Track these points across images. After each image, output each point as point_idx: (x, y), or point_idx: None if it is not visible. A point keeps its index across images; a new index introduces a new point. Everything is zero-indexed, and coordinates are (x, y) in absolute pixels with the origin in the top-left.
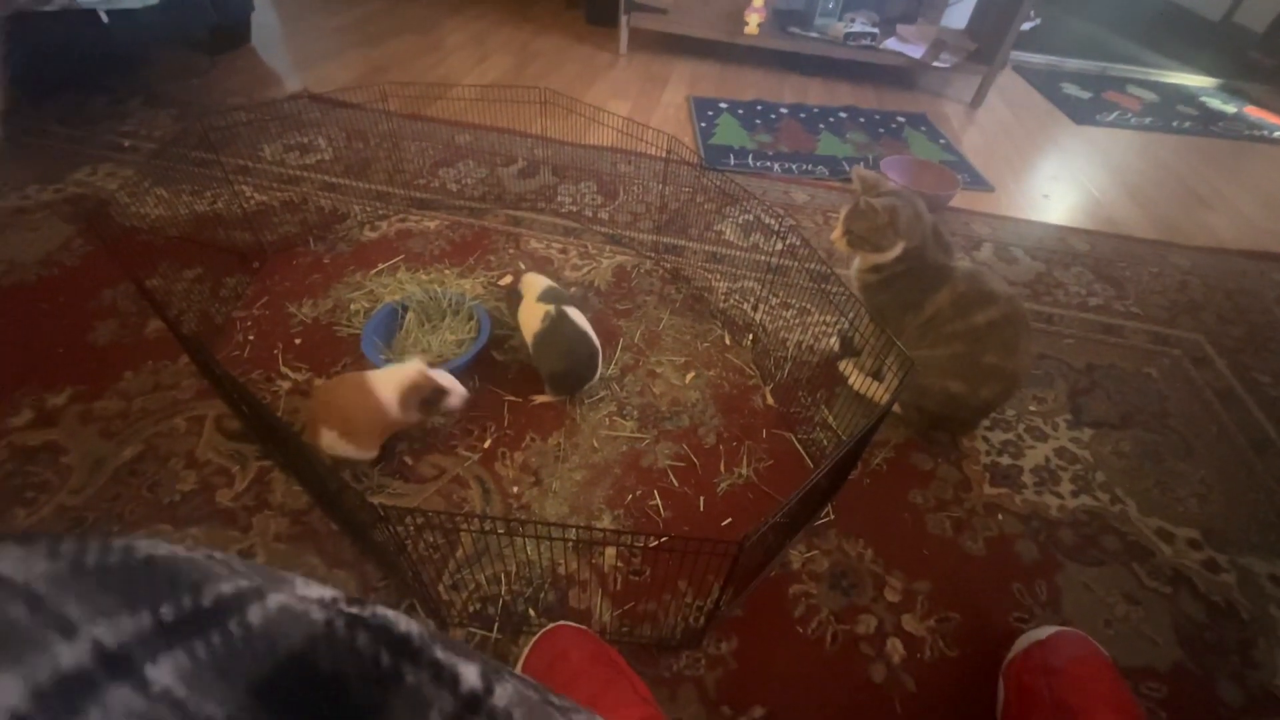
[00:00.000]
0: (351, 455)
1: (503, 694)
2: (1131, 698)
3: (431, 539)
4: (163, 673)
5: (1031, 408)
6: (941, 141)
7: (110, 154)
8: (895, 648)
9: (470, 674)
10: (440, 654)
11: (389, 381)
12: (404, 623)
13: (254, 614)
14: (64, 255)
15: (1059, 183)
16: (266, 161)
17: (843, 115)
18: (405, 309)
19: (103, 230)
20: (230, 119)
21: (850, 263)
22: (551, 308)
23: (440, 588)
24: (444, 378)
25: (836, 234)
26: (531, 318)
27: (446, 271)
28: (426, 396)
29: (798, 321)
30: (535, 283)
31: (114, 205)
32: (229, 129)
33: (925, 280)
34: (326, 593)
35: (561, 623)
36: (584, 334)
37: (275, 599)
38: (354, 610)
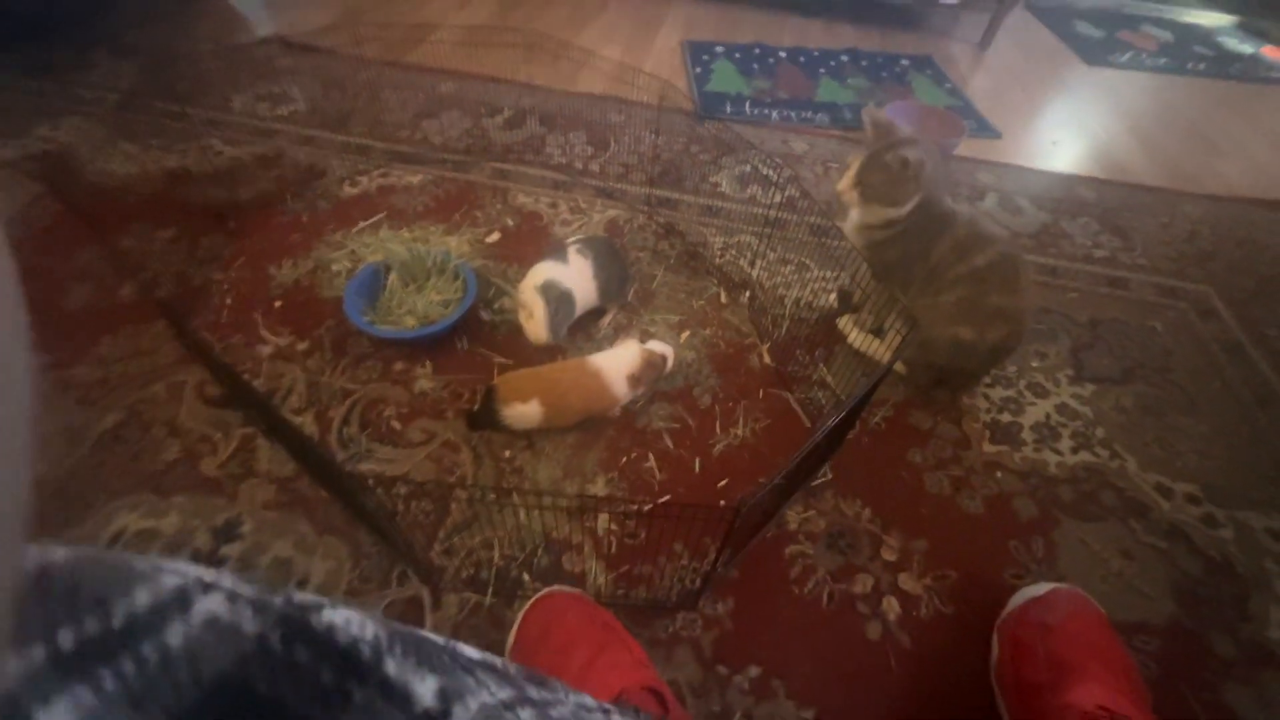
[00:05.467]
0: (524, 425)
1: (462, 715)
2: (1124, 652)
3: (422, 505)
4: (58, 716)
5: (1033, 363)
6: (947, 85)
7: (75, 107)
8: (891, 606)
9: (426, 692)
10: (392, 669)
11: (617, 364)
12: (354, 627)
13: (173, 633)
14: (33, 214)
15: (1068, 129)
16: (236, 113)
17: (844, 59)
18: (389, 269)
19: (65, 190)
20: (196, 67)
21: (849, 217)
22: (567, 255)
23: (432, 554)
24: (659, 346)
25: (846, 184)
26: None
27: (431, 229)
28: (658, 371)
29: (796, 277)
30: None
31: (78, 161)
32: (196, 78)
33: (932, 228)
34: (267, 595)
35: (556, 587)
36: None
37: (202, 608)
38: (297, 615)
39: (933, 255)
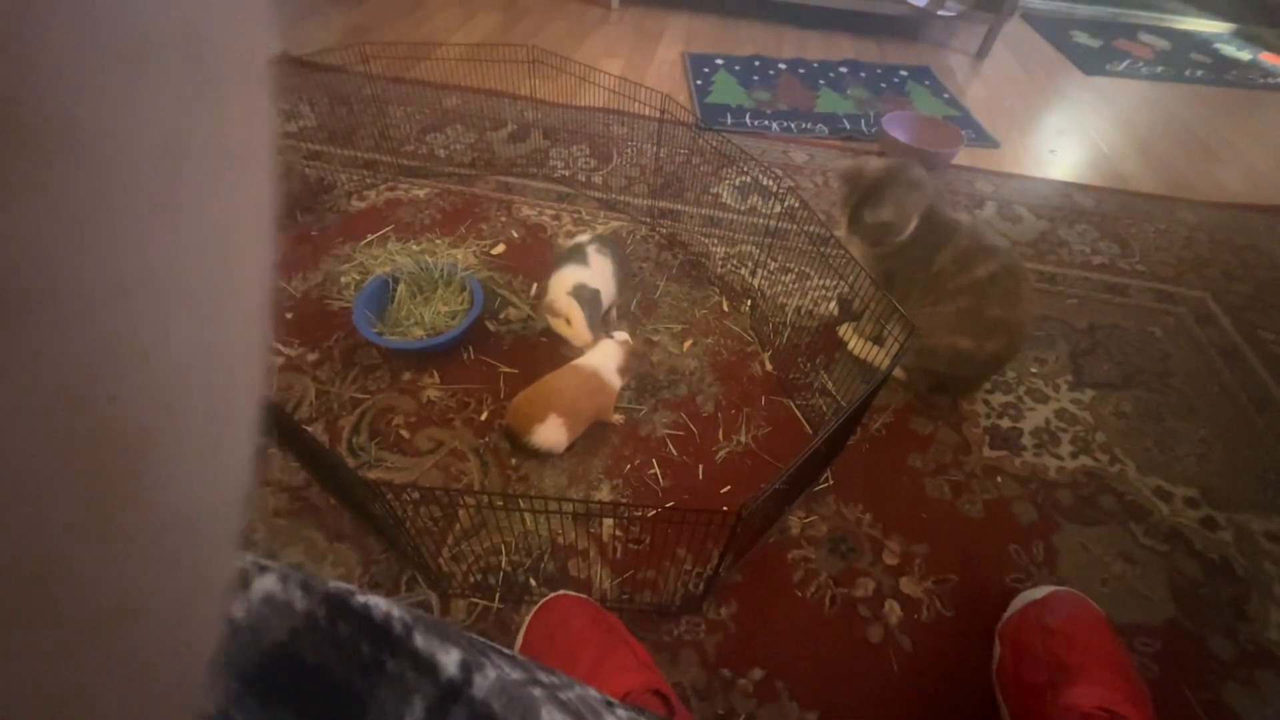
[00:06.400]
0: (555, 446)
1: (482, 683)
2: (1124, 653)
3: (430, 512)
4: None
5: (1033, 369)
6: (946, 96)
7: None
8: (893, 609)
9: (450, 663)
10: (420, 642)
11: (605, 360)
12: (384, 607)
13: (238, 606)
14: None
15: (1066, 137)
16: None
17: (843, 70)
18: (396, 281)
19: None
20: None
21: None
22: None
23: (440, 560)
24: (622, 335)
25: (844, 235)
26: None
27: (438, 241)
28: (638, 360)
29: (796, 286)
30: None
31: None
32: None
33: (934, 238)
34: (310, 579)
35: (562, 592)
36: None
37: (260, 586)
38: (338, 595)
39: (934, 264)
